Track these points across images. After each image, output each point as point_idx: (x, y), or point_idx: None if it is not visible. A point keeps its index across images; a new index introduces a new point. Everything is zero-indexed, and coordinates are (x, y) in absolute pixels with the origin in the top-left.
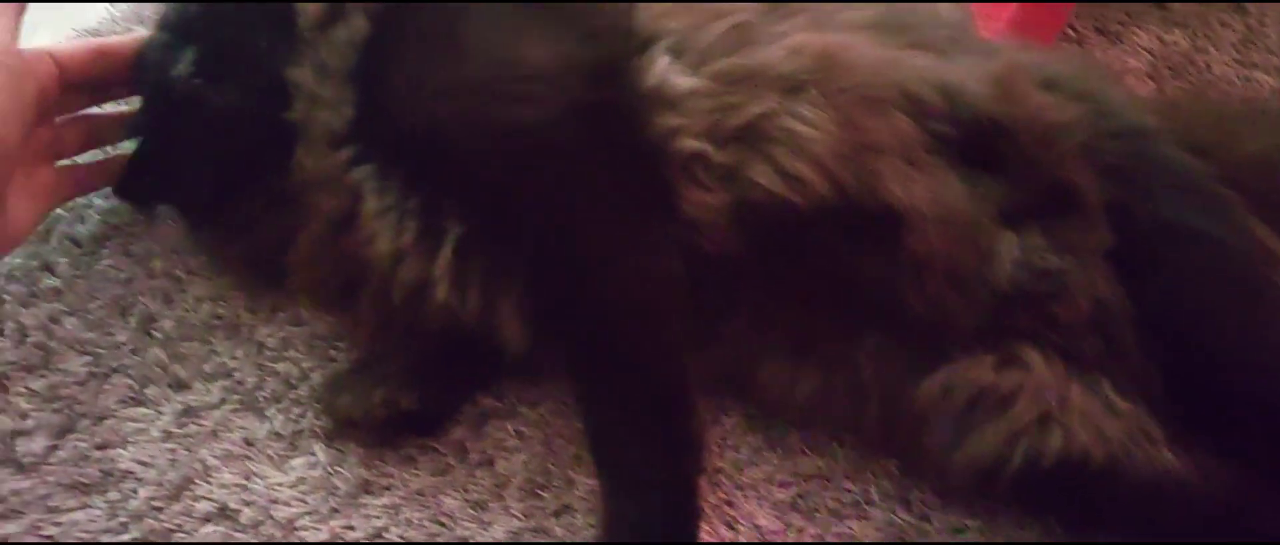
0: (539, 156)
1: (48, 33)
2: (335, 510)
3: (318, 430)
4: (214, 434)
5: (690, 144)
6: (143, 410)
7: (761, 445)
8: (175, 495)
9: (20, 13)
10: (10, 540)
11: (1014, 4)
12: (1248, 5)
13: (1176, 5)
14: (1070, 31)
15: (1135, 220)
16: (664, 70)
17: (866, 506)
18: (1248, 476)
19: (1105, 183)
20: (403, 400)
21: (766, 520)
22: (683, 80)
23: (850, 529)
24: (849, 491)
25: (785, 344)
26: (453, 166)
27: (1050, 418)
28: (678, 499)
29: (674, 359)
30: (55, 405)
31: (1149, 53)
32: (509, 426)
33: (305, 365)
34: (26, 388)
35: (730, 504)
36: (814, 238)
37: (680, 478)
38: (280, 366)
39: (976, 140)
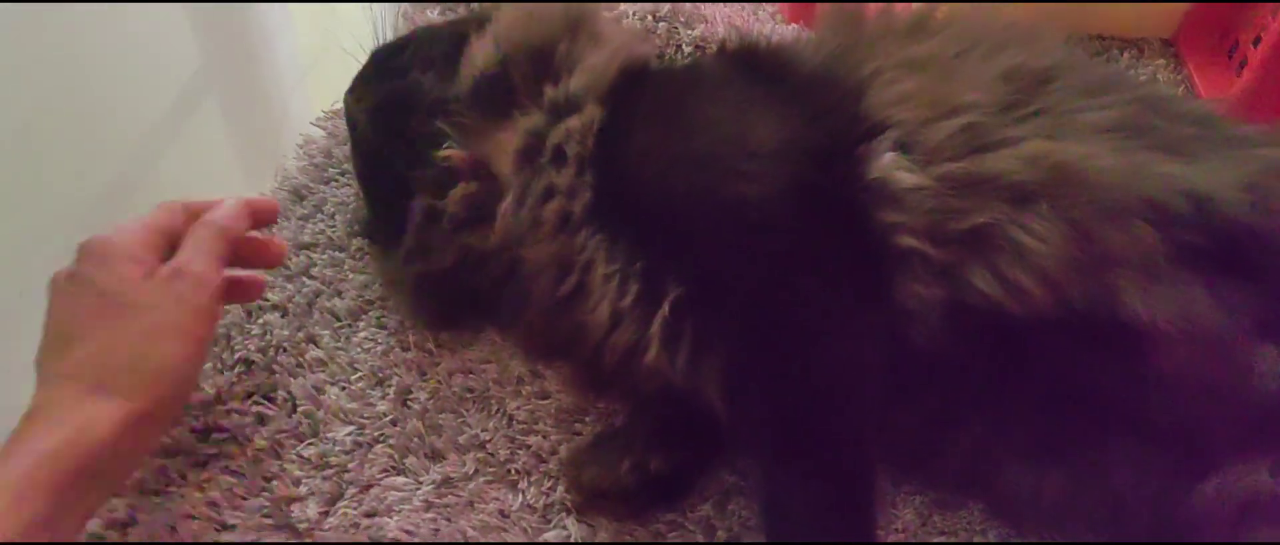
0: (756, 230)
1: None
2: None
3: (568, 504)
4: (470, 504)
5: (909, 241)
6: (403, 480)
7: (1013, 529)
8: None
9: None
10: None
11: (1252, 76)
12: None
13: None
14: None
15: None
16: (889, 164)
17: None
18: None
19: None
20: (652, 463)
21: None
22: (908, 177)
23: None
24: None
25: (1026, 449)
26: (677, 233)
27: None
28: None
29: (861, 446)
30: (325, 473)
31: None
32: (753, 504)
33: (554, 438)
34: (298, 456)
35: None
36: (1043, 346)
37: None
38: (531, 440)
39: (1229, 249)
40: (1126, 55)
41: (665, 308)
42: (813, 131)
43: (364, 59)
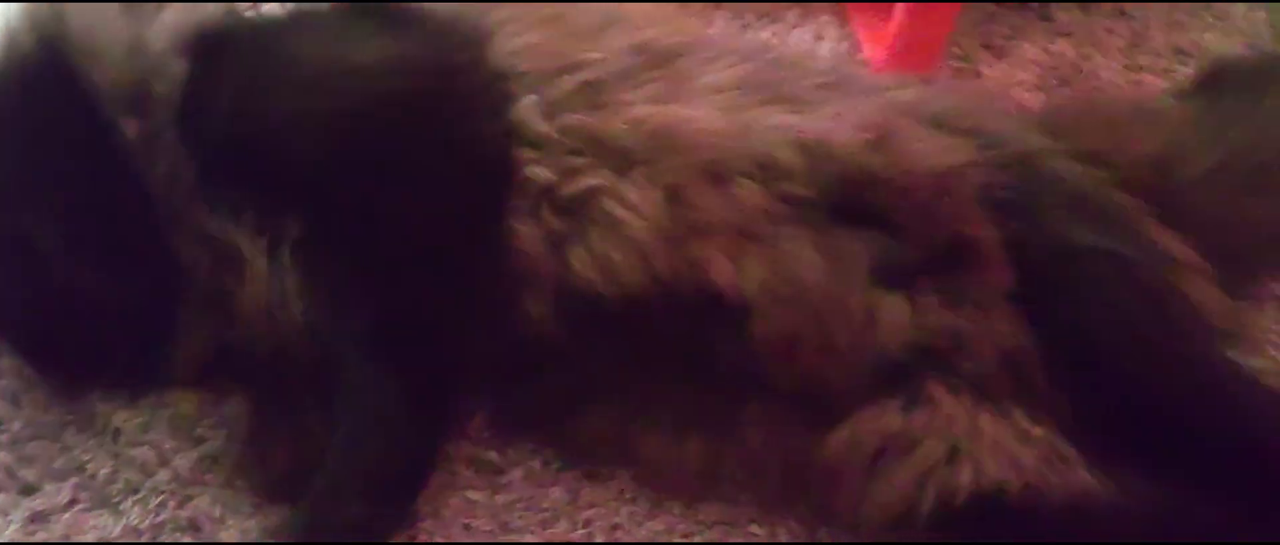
0: (362, 144)
1: None
2: None
3: (181, 521)
4: (66, 537)
5: (539, 176)
6: None
7: (660, 497)
8: None
9: None
10: None
11: (897, 23)
12: (1130, 10)
13: (1061, 15)
14: (956, 49)
15: (1031, 250)
16: (529, 108)
17: None
18: (1170, 488)
19: (1000, 217)
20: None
21: None
22: (542, 125)
23: None
24: (755, 534)
25: (662, 419)
26: (284, 165)
27: (959, 452)
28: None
29: (445, 365)
30: None
31: (1036, 64)
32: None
33: (167, 446)
34: None
35: None
36: (649, 321)
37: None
38: (136, 452)
39: (846, 196)
40: (793, 13)
41: (286, 252)
42: (417, 49)
43: None
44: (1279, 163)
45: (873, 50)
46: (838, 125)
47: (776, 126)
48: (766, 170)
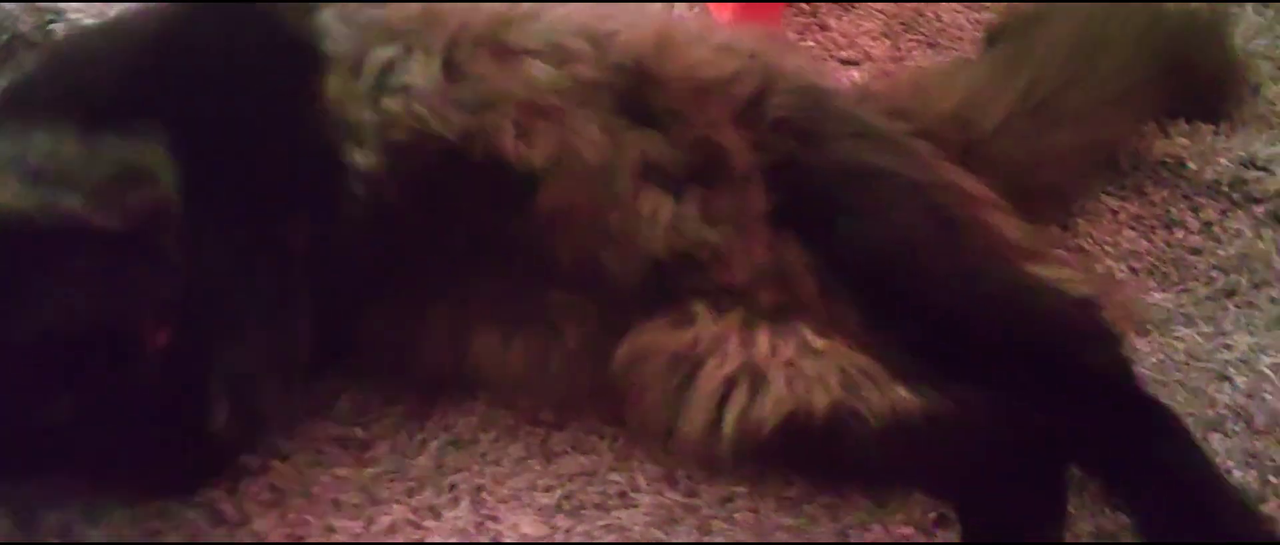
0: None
1: None
2: None
3: None
4: None
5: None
6: None
7: (522, 455)
8: None
9: None
10: None
11: None
12: None
13: None
14: (804, 5)
15: (814, 172)
16: (329, 19)
17: (633, 494)
18: (983, 398)
19: (775, 137)
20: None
21: (531, 527)
22: (340, 27)
23: (619, 518)
24: (615, 482)
25: (489, 314)
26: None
27: (751, 377)
28: None
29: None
30: None
31: (881, 13)
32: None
33: None
34: None
35: (494, 518)
36: (462, 195)
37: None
38: None
39: (630, 91)
40: None
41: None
42: None
43: None
44: (1057, 95)
45: (720, 11)
46: (626, 25)
47: (567, 16)
48: (556, 52)
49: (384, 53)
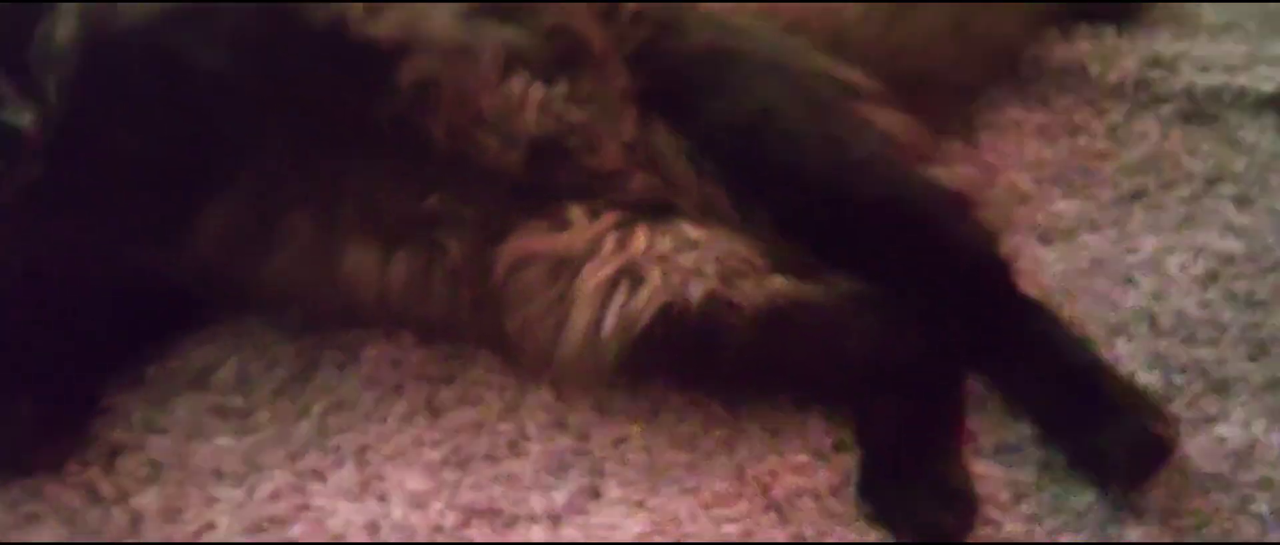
0: None
1: None
2: None
3: None
4: None
5: None
6: None
7: (407, 411)
8: None
9: None
10: None
11: None
12: None
13: None
14: None
15: (672, 53)
16: None
17: (523, 442)
18: (863, 290)
19: (633, 29)
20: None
21: (418, 483)
22: None
23: (509, 468)
24: (503, 432)
25: (363, 226)
26: None
27: (627, 277)
28: None
29: None
30: None
31: None
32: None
33: None
34: None
35: (379, 477)
36: (326, 86)
37: None
38: None
39: None
40: None
41: None
42: None
43: None
44: None
45: None
46: None
47: None
48: None
49: None
